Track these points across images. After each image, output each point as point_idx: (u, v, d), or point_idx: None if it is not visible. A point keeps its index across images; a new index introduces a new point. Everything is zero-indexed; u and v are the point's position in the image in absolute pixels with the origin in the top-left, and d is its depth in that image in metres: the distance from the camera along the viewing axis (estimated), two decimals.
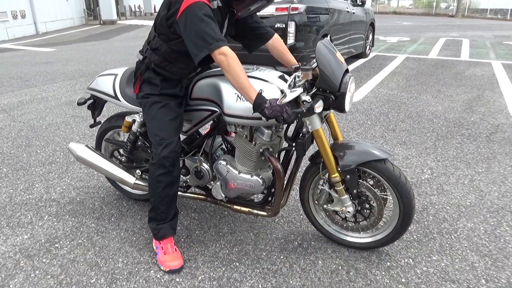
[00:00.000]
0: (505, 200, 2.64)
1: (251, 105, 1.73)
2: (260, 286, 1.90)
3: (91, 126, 2.61)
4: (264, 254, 2.13)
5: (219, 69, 1.94)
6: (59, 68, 7.47)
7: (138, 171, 2.42)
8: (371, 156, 1.88)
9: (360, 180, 1.97)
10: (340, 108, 1.82)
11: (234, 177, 2.07)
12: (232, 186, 2.10)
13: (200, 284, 1.91)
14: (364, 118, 4.43)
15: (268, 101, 1.68)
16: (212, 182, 2.26)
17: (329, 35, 6.17)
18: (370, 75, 6.71)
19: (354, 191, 1.97)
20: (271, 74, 1.92)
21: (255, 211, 2.17)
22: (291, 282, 1.92)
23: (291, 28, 5.41)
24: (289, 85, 1.79)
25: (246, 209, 2.19)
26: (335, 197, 2.04)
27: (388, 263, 2.04)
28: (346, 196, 1.99)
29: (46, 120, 4.42)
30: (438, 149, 3.51)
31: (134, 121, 2.29)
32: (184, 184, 2.36)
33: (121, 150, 2.52)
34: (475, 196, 2.70)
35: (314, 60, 1.81)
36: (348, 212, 2.01)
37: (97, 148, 2.62)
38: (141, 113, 2.20)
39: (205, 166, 2.22)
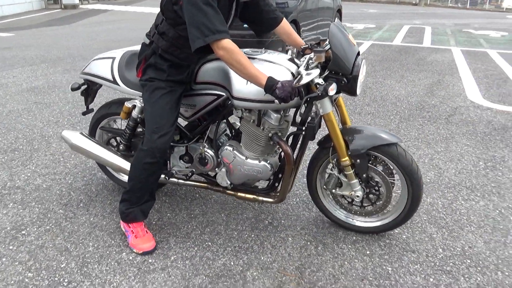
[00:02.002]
0: (461, 177, 2.81)
1: (260, 89, 1.74)
2: (232, 263, 1.95)
3: (84, 113, 2.47)
4: (236, 233, 2.18)
5: None
6: (18, 54, 7.15)
7: None
8: (381, 140, 1.89)
9: (369, 165, 1.98)
10: (352, 91, 1.82)
11: (241, 163, 2.04)
12: (238, 172, 2.07)
13: (173, 263, 1.94)
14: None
15: (279, 82, 1.67)
16: (216, 169, 2.19)
17: (336, 19, 6.21)
18: None
19: (364, 175, 1.99)
20: (280, 57, 1.90)
21: (261, 198, 2.14)
22: (262, 258, 1.98)
23: None
24: (303, 67, 1.78)
25: (251, 196, 2.15)
26: (344, 181, 2.04)
27: (354, 237, 2.14)
28: (355, 181, 1.99)
29: (7, 107, 4.25)
30: (401, 131, 3.66)
31: (134, 106, 2.19)
32: (190, 173, 2.27)
33: (119, 138, 2.41)
34: (434, 173, 2.86)
35: (327, 42, 1.81)
36: (357, 196, 2.01)
37: (91, 136, 2.50)
38: (142, 98, 2.11)
39: (210, 152, 2.15)
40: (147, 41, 1.97)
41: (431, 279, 1.85)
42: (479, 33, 11.29)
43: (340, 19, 8.95)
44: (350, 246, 2.07)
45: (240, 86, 1.86)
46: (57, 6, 17.94)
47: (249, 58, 1.80)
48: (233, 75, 1.87)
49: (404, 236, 2.15)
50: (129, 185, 2.03)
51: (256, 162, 2.03)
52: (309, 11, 6.76)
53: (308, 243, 2.10)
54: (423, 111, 4.25)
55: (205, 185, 2.27)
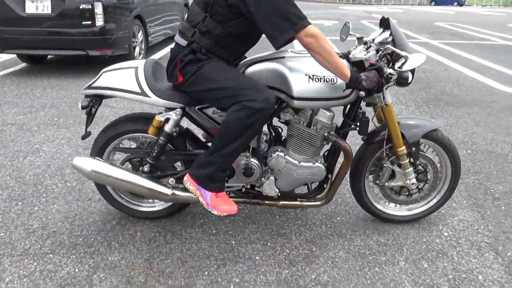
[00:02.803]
0: None
1: (325, 86, 1.77)
2: (77, 270, 1.88)
3: (84, 137, 2.08)
4: (81, 239, 2.10)
5: (270, 52, 1.86)
6: None
7: (171, 179, 2.04)
8: (428, 127, 2.03)
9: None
10: (408, 82, 1.84)
11: (294, 168, 1.96)
12: (291, 177, 1.98)
13: (8, 285, 1.79)
14: None
15: (363, 74, 1.68)
16: (262, 179, 2.03)
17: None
18: None
19: (417, 162, 2.07)
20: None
21: (306, 203, 2.08)
22: (109, 258, 1.96)
23: (99, 9, 5.15)
24: (378, 57, 1.80)
25: (296, 203, 2.08)
26: (398, 172, 2.08)
27: (202, 221, 2.26)
28: (411, 169, 2.06)
29: None
30: None
31: (167, 120, 1.92)
32: (245, 188, 2.09)
33: (136, 158, 2.12)
34: None
35: (387, 35, 1.84)
36: (413, 184, 2.08)
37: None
38: (178, 110, 1.90)
39: (255, 161, 1.97)
40: (183, 43, 1.79)
41: (269, 244, 2.08)
42: (315, 22, 12.63)
43: None
44: (197, 230, 2.18)
45: (302, 85, 1.78)
46: None
47: (301, 56, 1.82)
48: (292, 76, 1.78)
49: (246, 211, 2.35)
50: (221, 153, 1.79)
51: (310, 164, 1.97)
52: (155, 6, 6.68)
53: (157, 234, 2.15)
54: None
55: (242, 199, 2.09)
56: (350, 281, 1.83)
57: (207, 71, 1.77)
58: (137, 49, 6.02)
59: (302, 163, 1.97)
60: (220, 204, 1.87)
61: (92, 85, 1.99)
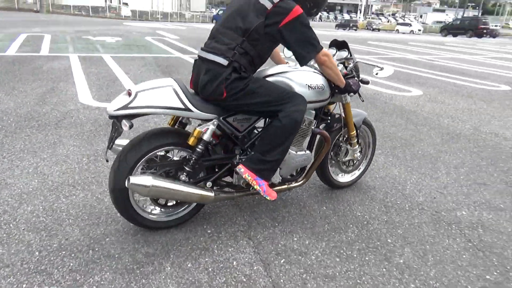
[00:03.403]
0: (64, 177, 2.96)
1: (317, 92, 2.37)
2: None
3: (108, 159, 2.30)
4: None
5: (270, 68, 2.37)
6: None
7: (208, 183, 2.29)
8: (363, 115, 2.88)
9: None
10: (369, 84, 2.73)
11: (294, 157, 2.44)
12: (291, 165, 2.47)
13: None
14: None
15: (350, 81, 2.40)
16: None
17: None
18: None
19: (359, 140, 2.88)
20: (308, 67, 2.44)
21: (292, 185, 2.58)
22: None
23: None
24: (350, 69, 2.57)
25: (284, 186, 2.55)
26: (350, 149, 2.85)
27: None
28: (357, 146, 2.84)
29: None
30: (5, 146, 3.45)
31: (206, 129, 2.16)
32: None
33: (186, 167, 2.23)
34: (38, 180, 2.87)
35: (346, 53, 2.56)
36: (358, 156, 2.90)
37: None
38: (215, 120, 2.19)
39: None
40: (224, 62, 2.08)
41: (24, 285, 1.87)
42: (96, 39, 12.14)
43: None
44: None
45: (305, 93, 2.31)
46: None
47: (295, 70, 2.36)
48: (297, 85, 2.30)
49: (5, 254, 2.06)
50: (279, 150, 2.21)
51: (303, 152, 2.51)
52: None
53: None
54: (32, 120, 4.16)
55: (243, 193, 2.43)
56: None
57: (253, 87, 2.14)
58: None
59: (298, 152, 2.48)
60: (271, 191, 2.26)
61: (129, 105, 2.01)
